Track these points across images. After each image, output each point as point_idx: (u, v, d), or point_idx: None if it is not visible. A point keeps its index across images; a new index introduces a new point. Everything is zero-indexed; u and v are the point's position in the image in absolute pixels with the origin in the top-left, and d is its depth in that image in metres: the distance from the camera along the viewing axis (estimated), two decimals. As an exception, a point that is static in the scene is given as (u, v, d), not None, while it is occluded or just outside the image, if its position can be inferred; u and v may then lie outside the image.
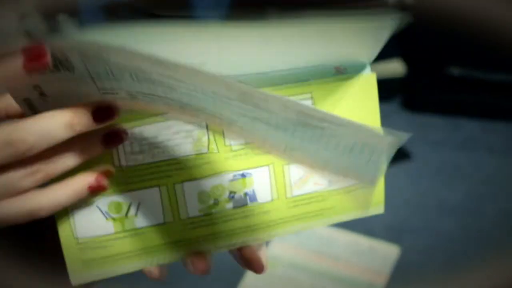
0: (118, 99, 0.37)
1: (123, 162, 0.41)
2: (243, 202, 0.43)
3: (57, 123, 0.36)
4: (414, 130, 1.33)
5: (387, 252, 1.06)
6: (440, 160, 1.27)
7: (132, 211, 0.41)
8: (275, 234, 0.45)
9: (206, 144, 0.42)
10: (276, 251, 1.07)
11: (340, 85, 0.45)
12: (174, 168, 0.42)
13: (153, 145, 0.41)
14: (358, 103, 0.46)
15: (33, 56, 0.34)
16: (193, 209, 0.43)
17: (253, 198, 0.44)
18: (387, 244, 1.08)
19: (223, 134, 0.42)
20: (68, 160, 0.38)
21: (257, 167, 0.44)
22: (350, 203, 0.46)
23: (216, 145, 0.43)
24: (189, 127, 0.42)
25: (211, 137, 0.42)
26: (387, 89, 1.40)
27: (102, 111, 0.37)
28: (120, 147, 0.41)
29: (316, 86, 0.44)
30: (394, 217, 1.11)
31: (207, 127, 0.42)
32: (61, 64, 0.35)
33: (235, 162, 0.43)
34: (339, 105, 0.45)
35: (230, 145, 0.43)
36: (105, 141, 0.39)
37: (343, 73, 0.45)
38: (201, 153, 0.42)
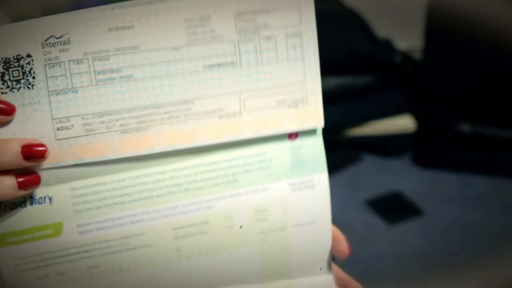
0: (71, 137, 0.41)
1: None
2: None
3: None
4: (426, 186, 1.32)
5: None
6: (452, 217, 1.25)
7: None
8: None
9: None
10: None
11: None
12: None
13: None
14: None
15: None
16: None
17: None
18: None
19: None
20: None
21: None
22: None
23: None
24: None
25: None
26: (398, 145, 1.40)
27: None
28: None
29: None
30: (405, 273, 1.09)
31: None
32: (24, 76, 0.39)
33: None
34: None
35: None
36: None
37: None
38: None
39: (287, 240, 0.47)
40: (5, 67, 0.40)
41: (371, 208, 1.23)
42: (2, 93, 0.40)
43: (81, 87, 0.41)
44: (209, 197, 0.45)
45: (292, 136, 0.46)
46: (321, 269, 0.49)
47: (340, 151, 1.36)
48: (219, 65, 0.43)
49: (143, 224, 0.44)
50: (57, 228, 0.43)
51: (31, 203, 0.42)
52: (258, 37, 0.44)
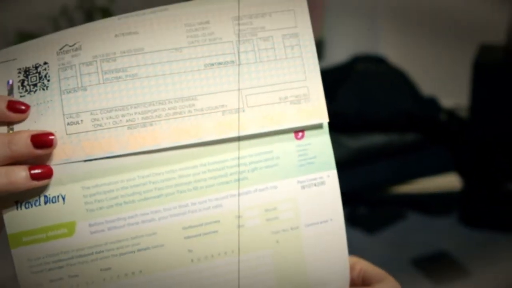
0: (81, 132, 0.44)
1: None
2: None
3: None
4: (473, 247, 1.29)
5: None
6: (500, 278, 1.22)
7: None
8: None
9: None
10: None
11: None
12: None
13: None
14: None
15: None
16: None
17: None
18: None
19: None
20: None
21: None
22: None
23: None
24: None
25: None
26: (444, 204, 1.37)
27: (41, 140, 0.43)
28: None
29: None
30: None
31: None
32: (40, 80, 0.44)
33: None
34: None
35: None
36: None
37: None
38: None
39: (300, 241, 0.47)
40: (25, 75, 0.45)
41: (416, 267, 1.21)
42: (20, 96, 0.45)
43: (89, 85, 0.44)
44: (218, 196, 0.46)
45: (299, 134, 0.47)
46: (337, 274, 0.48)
47: (385, 208, 1.35)
48: (220, 63, 0.46)
49: (154, 223, 0.45)
50: (70, 228, 0.44)
51: (45, 202, 0.44)
52: (256, 38, 0.46)
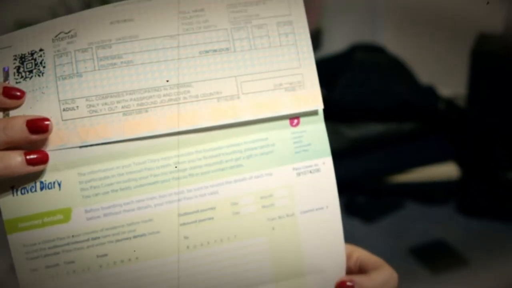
0: (76, 118, 0.44)
1: None
2: None
3: None
4: (471, 236, 1.29)
5: None
6: (499, 268, 1.22)
7: None
8: None
9: None
10: None
11: None
12: None
13: None
14: None
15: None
16: None
17: None
18: None
19: None
20: None
21: None
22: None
23: None
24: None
25: None
26: (442, 193, 1.38)
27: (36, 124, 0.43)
28: None
29: None
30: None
31: None
32: (35, 67, 0.44)
33: None
34: None
35: None
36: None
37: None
38: None
39: (296, 228, 0.47)
40: (20, 61, 0.45)
41: (414, 256, 1.21)
42: (16, 82, 0.45)
43: (85, 72, 0.44)
44: (213, 182, 0.46)
45: (294, 121, 0.47)
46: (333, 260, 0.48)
47: (383, 197, 1.35)
48: (214, 50, 0.46)
49: (150, 210, 0.45)
50: (66, 214, 0.44)
51: (41, 188, 0.44)
52: (250, 25, 0.47)
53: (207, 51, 0.46)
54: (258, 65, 0.46)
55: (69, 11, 1.19)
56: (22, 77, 0.45)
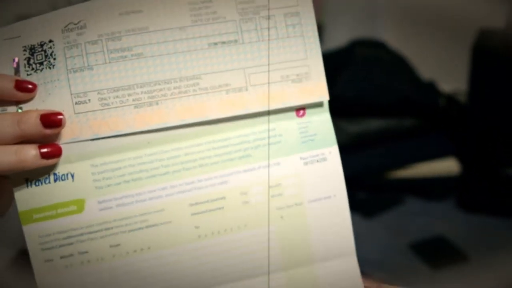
0: (89, 111, 0.45)
1: None
2: None
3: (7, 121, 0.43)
4: (471, 232, 1.29)
5: None
6: (499, 264, 1.22)
7: None
8: None
9: None
10: None
11: None
12: None
13: None
14: None
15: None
16: None
17: None
18: None
19: None
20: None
21: None
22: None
23: None
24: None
25: None
26: (442, 188, 1.38)
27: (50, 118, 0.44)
28: None
29: None
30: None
31: None
32: (46, 59, 0.44)
33: None
34: None
35: None
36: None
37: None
38: None
39: (305, 217, 0.48)
40: (30, 52, 0.45)
41: (414, 252, 1.21)
42: (27, 75, 0.45)
43: (96, 64, 0.45)
44: (223, 172, 0.47)
45: (300, 112, 0.48)
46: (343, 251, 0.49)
47: (384, 193, 1.35)
48: (223, 42, 0.47)
49: (161, 200, 0.46)
50: (79, 205, 0.45)
51: (55, 180, 0.45)
52: (258, 16, 0.47)
53: (215, 43, 0.47)
54: (266, 56, 0.47)
55: (70, 4, 1.19)
56: (33, 69, 0.45)
